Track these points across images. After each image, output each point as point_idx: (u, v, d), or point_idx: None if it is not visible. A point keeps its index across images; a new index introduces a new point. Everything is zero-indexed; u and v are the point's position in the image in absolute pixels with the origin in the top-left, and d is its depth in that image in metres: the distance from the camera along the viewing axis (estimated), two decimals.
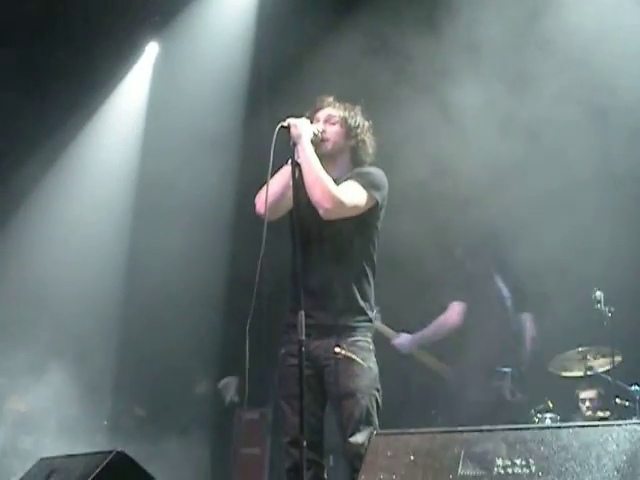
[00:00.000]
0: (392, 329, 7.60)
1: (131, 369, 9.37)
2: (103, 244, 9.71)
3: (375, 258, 4.78)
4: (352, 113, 4.85)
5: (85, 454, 4.63)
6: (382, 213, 4.78)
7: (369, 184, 4.64)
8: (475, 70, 7.73)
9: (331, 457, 7.01)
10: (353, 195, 4.58)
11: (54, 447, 7.24)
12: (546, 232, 7.62)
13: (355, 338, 4.55)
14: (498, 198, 7.56)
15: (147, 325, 9.10)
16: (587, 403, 7.54)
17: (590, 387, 7.54)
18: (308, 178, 4.53)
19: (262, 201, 4.60)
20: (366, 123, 4.88)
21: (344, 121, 4.82)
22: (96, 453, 4.56)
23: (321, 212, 4.52)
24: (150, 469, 4.50)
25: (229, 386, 9.42)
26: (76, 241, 9.54)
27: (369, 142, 4.86)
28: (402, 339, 7.64)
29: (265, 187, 4.55)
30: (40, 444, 8.11)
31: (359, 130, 4.82)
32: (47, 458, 4.90)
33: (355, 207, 4.58)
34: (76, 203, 9.85)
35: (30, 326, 8.51)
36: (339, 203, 4.51)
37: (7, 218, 9.52)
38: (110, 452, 4.33)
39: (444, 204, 7.71)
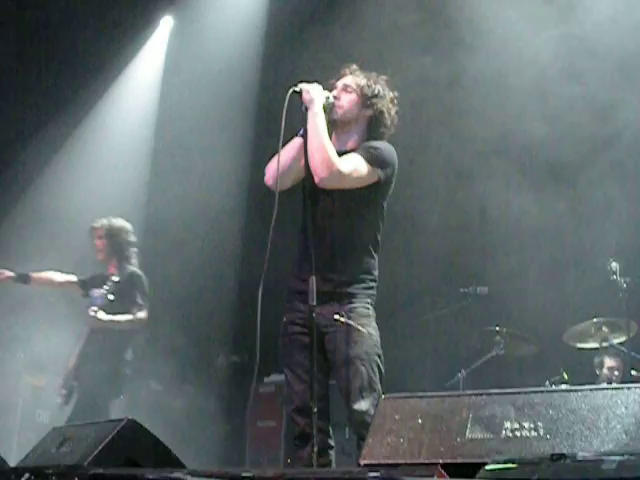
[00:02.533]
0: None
1: (147, 341, 9.37)
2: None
3: (379, 234, 4.74)
4: (371, 82, 4.78)
5: (97, 422, 4.65)
6: (388, 190, 4.73)
7: (374, 159, 4.59)
8: None
9: (346, 429, 7.00)
10: (353, 168, 4.53)
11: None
12: (559, 202, 7.61)
13: (354, 305, 4.55)
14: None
15: (163, 296, 9.11)
16: (612, 372, 7.46)
17: (614, 356, 7.47)
18: (311, 144, 4.51)
19: (271, 172, 4.62)
20: (388, 94, 4.80)
21: (360, 90, 4.76)
22: (108, 421, 4.57)
23: (316, 180, 4.50)
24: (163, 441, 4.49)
25: None
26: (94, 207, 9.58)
27: (389, 113, 4.79)
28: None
29: (275, 157, 4.55)
30: (56, 418, 8.14)
31: (376, 100, 4.75)
32: (59, 427, 4.92)
33: (353, 180, 4.54)
34: (96, 167, 9.97)
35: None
36: (336, 173, 4.47)
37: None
38: (121, 420, 4.34)
39: None
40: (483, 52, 7.70)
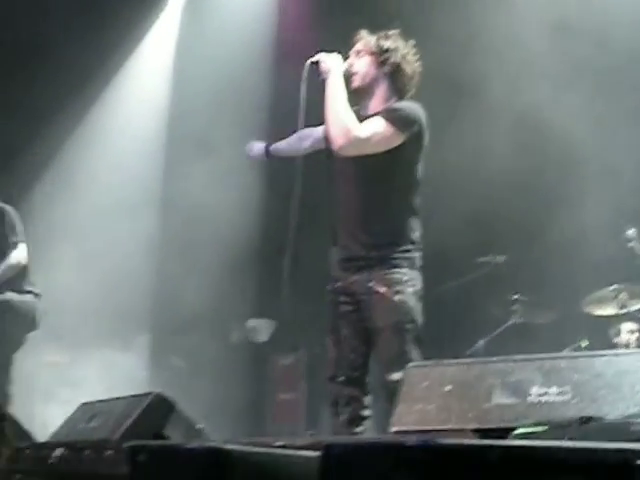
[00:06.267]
0: None
1: (167, 318, 9.40)
2: (134, 205, 9.67)
3: (413, 196, 4.68)
4: (380, 40, 4.72)
5: (124, 397, 4.69)
6: (417, 150, 4.65)
7: (396, 120, 4.52)
8: None
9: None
10: (372, 132, 4.48)
11: (93, 397, 7.35)
12: (578, 170, 7.60)
13: (388, 271, 4.50)
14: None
15: (181, 271, 9.12)
16: (631, 336, 7.44)
17: (634, 320, 7.45)
18: (328, 113, 4.52)
19: None
20: (401, 45, 4.72)
21: (370, 50, 4.71)
22: (135, 396, 4.62)
23: (335, 148, 4.50)
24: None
25: (259, 329, 9.39)
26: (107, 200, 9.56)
27: (407, 65, 4.71)
28: None
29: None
30: (79, 394, 8.20)
31: (388, 54, 4.68)
32: (88, 403, 4.97)
33: (374, 144, 4.49)
34: (107, 154, 9.90)
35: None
36: (354, 139, 4.45)
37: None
38: (148, 394, 4.39)
39: None
40: None
